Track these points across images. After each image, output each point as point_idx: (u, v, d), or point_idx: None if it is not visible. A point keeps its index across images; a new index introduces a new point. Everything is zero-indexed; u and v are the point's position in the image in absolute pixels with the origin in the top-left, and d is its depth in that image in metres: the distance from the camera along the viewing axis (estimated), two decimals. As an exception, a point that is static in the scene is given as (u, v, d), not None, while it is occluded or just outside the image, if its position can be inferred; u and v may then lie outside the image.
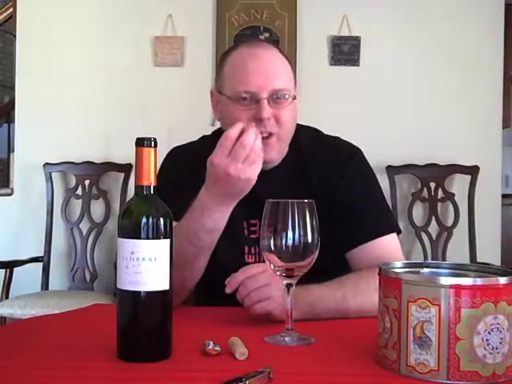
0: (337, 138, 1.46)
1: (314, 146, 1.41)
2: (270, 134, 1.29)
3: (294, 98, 1.32)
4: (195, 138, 1.51)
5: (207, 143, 1.39)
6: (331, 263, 1.24)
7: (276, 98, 1.28)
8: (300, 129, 1.42)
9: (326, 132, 1.48)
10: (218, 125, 1.44)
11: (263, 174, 1.34)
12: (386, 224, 1.36)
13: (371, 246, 1.31)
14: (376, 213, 1.36)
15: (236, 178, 1.13)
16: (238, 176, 1.13)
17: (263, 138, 1.26)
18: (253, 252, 1.35)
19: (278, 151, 1.33)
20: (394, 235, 1.36)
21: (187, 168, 1.38)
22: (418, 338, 0.80)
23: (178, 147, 1.50)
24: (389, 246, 1.33)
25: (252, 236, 1.36)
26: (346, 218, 1.34)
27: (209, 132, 1.52)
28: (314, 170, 1.38)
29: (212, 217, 1.19)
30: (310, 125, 1.46)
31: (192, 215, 1.21)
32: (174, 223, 1.25)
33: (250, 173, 1.14)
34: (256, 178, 1.16)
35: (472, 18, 3.21)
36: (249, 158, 1.13)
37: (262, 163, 1.16)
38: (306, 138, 1.41)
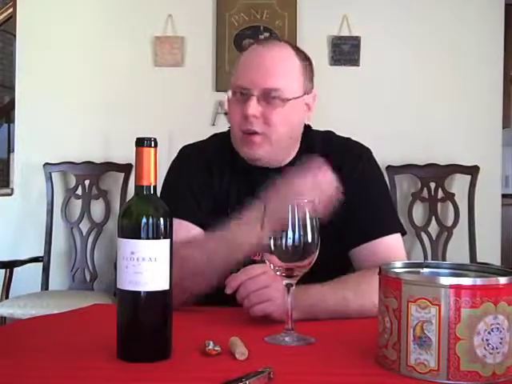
0: (347, 139, 1.46)
1: (325, 147, 1.41)
2: (255, 133, 1.29)
3: (299, 99, 1.32)
4: (195, 138, 1.51)
5: (218, 141, 1.40)
6: (334, 263, 1.24)
7: (269, 97, 1.28)
8: (313, 132, 1.43)
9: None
10: (218, 125, 1.44)
11: (271, 173, 1.35)
12: (390, 224, 1.36)
13: (375, 245, 1.31)
14: (381, 212, 1.36)
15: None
16: None
17: (248, 135, 1.29)
18: None
19: (266, 151, 1.32)
20: (398, 235, 1.36)
21: (198, 165, 1.39)
22: (417, 337, 0.80)
23: (189, 145, 1.49)
24: (392, 246, 1.33)
25: None
26: (352, 217, 1.34)
27: (209, 132, 1.52)
28: None
29: (237, 252, 1.19)
30: (310, 124, 1.46)
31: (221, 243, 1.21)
32: (181, 222, 1.26)
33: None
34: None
35: (472, 18, 3.21)
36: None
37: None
38: (319, 141, 1.42)
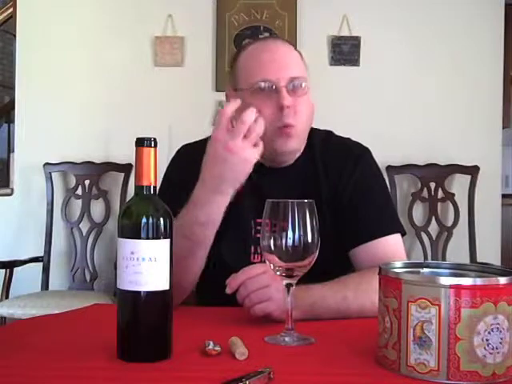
0: (347, 139, 1.46)
1: (325, 147, 1.41)
2: (290, 125, 1.28)
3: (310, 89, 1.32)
4: (195, 138, 1.51)
5: None
6: (334, 263, 1.24)
7: (293, 86, 1.28)
8: (314, 131, 1.43)
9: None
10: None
11: (273, 173, 1.35)
12: (390, 224, 1.36)
13: (375, 245, 1.31)
14: (381, 212, 1.36)
15: (235, 155, 1.14)
16: (237, 153, 1.14)
17: (283, 127, 1.27)
18: (259, 251, 1.34)
19: (297, 142, 1.32)
20: (398, 236, 1.36)
21: (195, 167, 1.39)
22: (418, 338, 0.80)
23: (187, 145, 1.49)
24: (393, 246, 1.33)
25: (259, 235, 1.36)
26: (352, 217, 1.34)
27: (209, 132, 1.51)
28: (323, 172, 1.38)
29: (205, 209, 1.19)
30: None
31: (187, 208, 1.21)
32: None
33: (248, 153, 1.15)
34: (253, 162, 1.16)
35: (472, 18, 3.22)
36: (249, 136, 1.15)
37: (261, 149, 1.18)
38: (319, 140, 1.42)
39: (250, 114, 1.15)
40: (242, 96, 1.29)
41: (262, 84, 1.27)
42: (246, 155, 1.15)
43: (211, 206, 1.19)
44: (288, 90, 1.27)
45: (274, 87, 1.26)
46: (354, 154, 1.40)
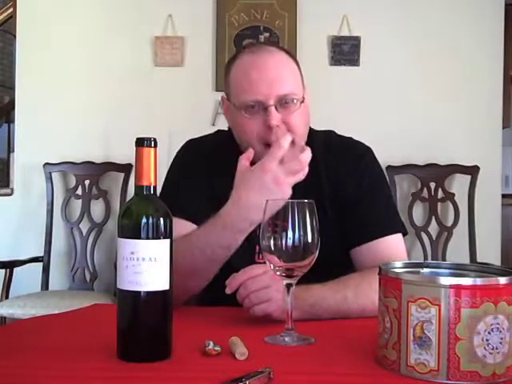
0: (349, 139, 1.46)
1: (327, 147, 1.41)
2: None
3: (303, 100, 1.31)
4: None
5: (223, 138, 1.39)
6: (334, 263, 1.24)
7: (284, 103, 1.27)
8: (314, 132, 1.42)
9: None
10: (217, 125, 1.44)
11: None
12: (392, 224, 1.36)
13: (376, 245, 1.31)
14: (383, 212, 1.36)
15: (280, 190, 1.13)
16: (283, 189, 1.14)
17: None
18: None
19: None
20: (399, 236, 1.36)
21: (201, 162, 1.38)
22: (417, 337, 0.80)
23: (192, 140, 1.49)
24: (394, 246, 1.33)
25: None
26: (353, 216, 1.34)
27: (209, 131, 1.52)
28: (325, 172, 1.38)
29: (231, 234, 1.18)
30: (310, 125, 1.46)
31: (213, 228, 1.20)
32: (181, 221, 1.26)
33: (289, 191, 1.15)
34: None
35: (472, 18, 3.22)
36: (295, 175, 1.15)
37: None
38: (319, 141, 1.41)
39: (308, 155, 1.17)
40: (233, 110, 1.32)
41: (252, 104, 1.27)
42: (288, 193, 1.15)
43: (238, 233, 1.19)
44: (278, 107, 1.27)
45: (263, 106, 1.26)
46: (356, 154, 1.40)
